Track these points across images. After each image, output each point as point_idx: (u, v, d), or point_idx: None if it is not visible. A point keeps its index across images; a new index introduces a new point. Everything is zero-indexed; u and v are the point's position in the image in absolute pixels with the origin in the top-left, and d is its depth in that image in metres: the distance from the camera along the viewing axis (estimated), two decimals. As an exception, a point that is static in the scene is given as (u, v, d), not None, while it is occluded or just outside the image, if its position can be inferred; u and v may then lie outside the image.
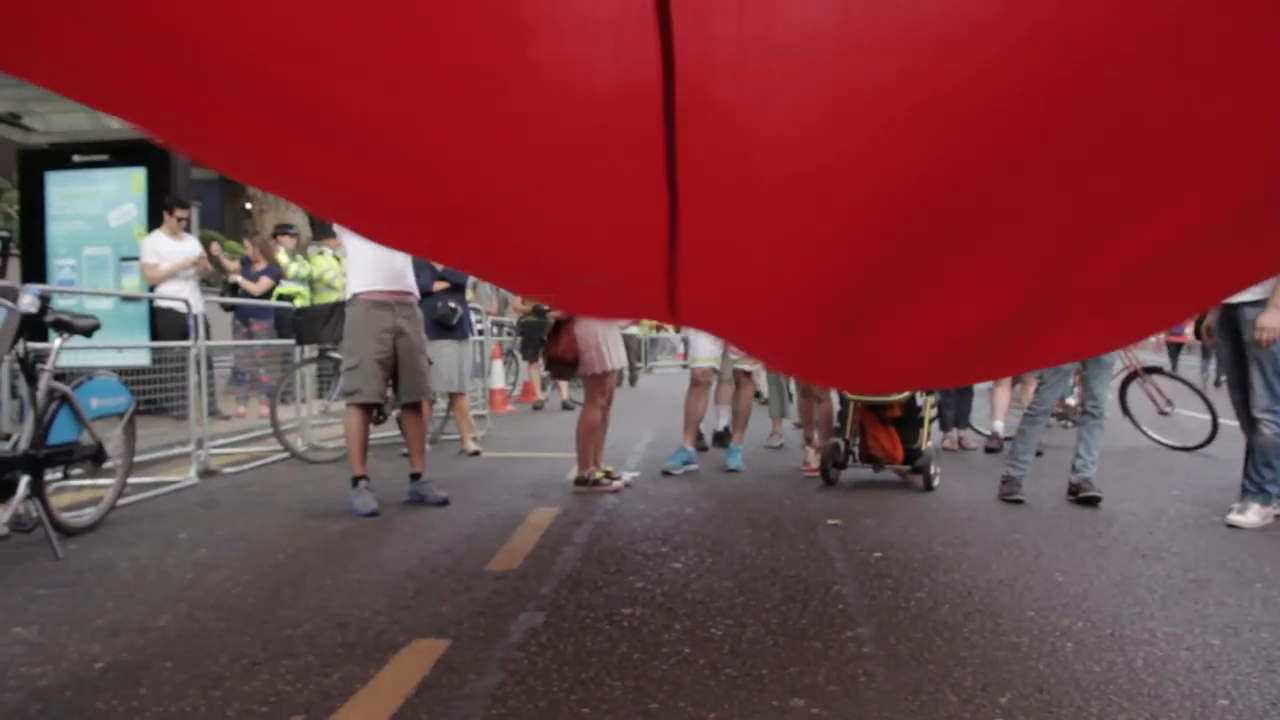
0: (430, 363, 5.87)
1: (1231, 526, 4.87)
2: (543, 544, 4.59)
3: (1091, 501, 5.46)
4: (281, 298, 10.28)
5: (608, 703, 2.68)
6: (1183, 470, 6.94)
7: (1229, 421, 6.04)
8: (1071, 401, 9.07)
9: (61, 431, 4.52)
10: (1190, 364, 18.17)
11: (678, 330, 9.60)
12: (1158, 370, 8.93)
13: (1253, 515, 4.92)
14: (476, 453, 7.80)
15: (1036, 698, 2.71)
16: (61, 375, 4.68)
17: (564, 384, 12.78)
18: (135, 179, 9.56)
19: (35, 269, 9.51)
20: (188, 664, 2.97)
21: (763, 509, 5.48)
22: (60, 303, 5.94)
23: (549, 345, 6.07)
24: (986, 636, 3.25)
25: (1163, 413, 8.62)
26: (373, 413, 5.74)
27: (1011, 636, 3.24)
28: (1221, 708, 2.63)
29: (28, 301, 4.24)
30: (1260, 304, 4.84)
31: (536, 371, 13.50)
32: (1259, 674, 2.88)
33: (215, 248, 11.46)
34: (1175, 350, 19.67)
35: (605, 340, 5.97)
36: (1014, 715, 2.59)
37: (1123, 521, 5.05)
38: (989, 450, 7.95)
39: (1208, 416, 7.94)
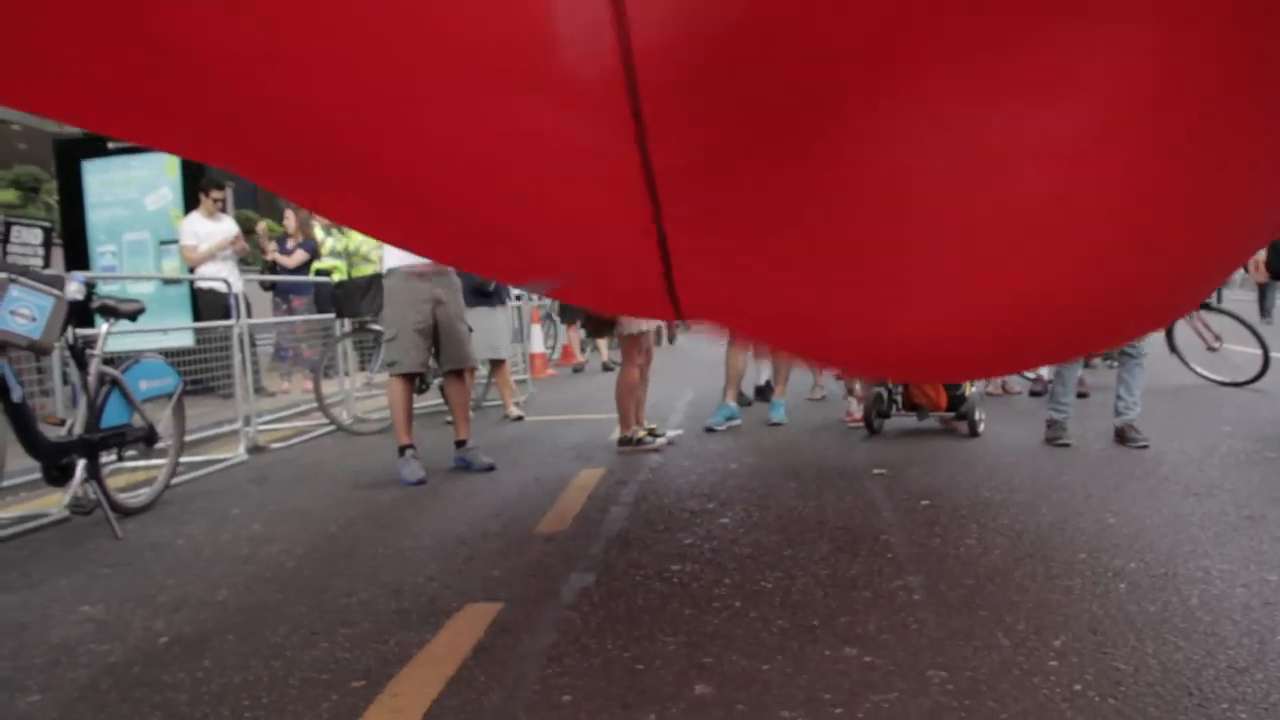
0: (470, 330, 5.90)
1: None
2: (590, 505, 4.62)
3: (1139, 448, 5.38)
4: (319, 273, 10.35)
5: (661, 658, 2.70)
6: (1233, 406, 6.83)
7: (1280, 355, 5.93)
8: None
9: (113, 415, 4.61)
10: (1237, 299, 17.83)
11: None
12: (1207, 306, 8.77)
13: None
14: (520, 417, 7.85)
15: (1090, 639, 2.70)
16: (110, 360, 4.77)
17: (603, 345, 12.79)
18: (169, 163, 9.62)
19: (78, 257, 9.65)
20: (248, 636, 3.04)
21: (807, 461, 5.47)
22: (104, 289, 6.02)
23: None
24: (1038, 580, 3.23)
25: (1211, 348, 8.46)
26: (415, 382, 5.78)
27: (1063, 579, 3.23)
28: (1279, 643, 2.61)
29: (74, 289, 4.31)
30: None
31: (575, 334, 13.52)
32: (1317, 607, 2.85)
33: (261, 227, 11.53)
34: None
35: None
36: (1068, 658, 2.58)
37: (1173, 460, 4.99)
38: (1034, 394, 7.87)
39: (1258, 351, 7.79)
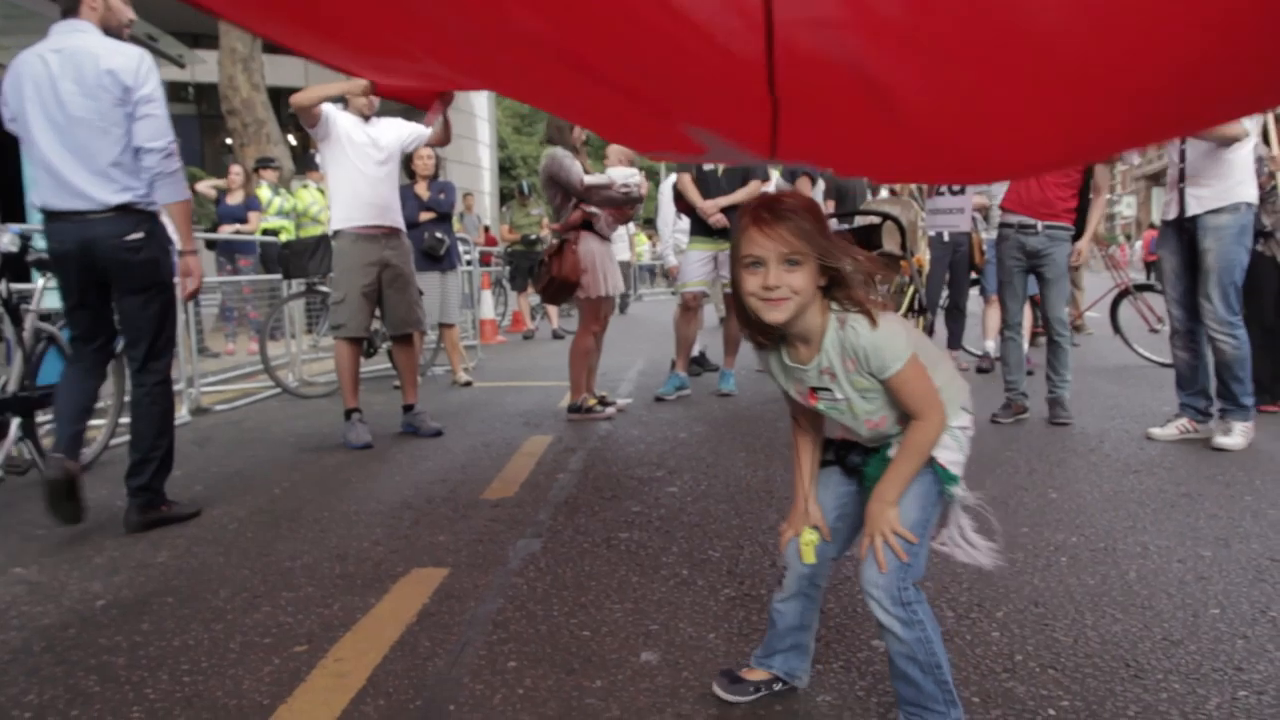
0: (421, 293, 5.83)
1: (1219, 449, 4.77)
2: (538, 471, 4.60)
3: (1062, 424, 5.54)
4: (266, 232, 10.19)
5: (608, 625, 2.70)
6: (1173, 387, 6.94)
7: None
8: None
9: (50, 373, 4.49)
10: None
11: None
12: (1149, 288, 8.93)
13: (1238, 436, 4.83)
14: (468, 383, 7.79)
15: (1032, 611, 2.74)
16: (46, 316, 4.64)
17: (554, 313, 12.73)
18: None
19: (12, 209, 9.34)
20: (189, 599, 2.99)
21: (757, 432, 5.49)
22: (41, 243, 5.84)
23: (552, 264, 5.96)
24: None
25: (1153, 330, 8.64)
26: (363, 346, 5.71)
27: (1006, 552, 3.26)
28: (1213, 616, 2.67)
29: (7, 240, 4.19)
30: (1219, 211, 4.78)
31: (526, 301, 13.45)
32: (1248, 583, 2.92)
33: (202, 185, 11.28)
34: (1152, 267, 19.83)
35: (607, 264, 5.95)
36: (1010, 629, 2.62)
37: (1115, 438, 5.08)
38: (980, 370, 7.98)
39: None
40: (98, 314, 3.81)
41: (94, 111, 3.55)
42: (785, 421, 5.70)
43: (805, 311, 1.86)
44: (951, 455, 1.96)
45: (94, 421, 5.04)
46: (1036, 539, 3.40)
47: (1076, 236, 5.84)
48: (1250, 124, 4.86)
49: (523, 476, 4.50)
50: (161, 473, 3.84)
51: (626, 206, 6.09)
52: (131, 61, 3.59)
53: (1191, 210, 4.86)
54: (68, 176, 3.58)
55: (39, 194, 3.66)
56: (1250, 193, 4.80)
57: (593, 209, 5.89)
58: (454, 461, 4.87)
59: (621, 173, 6.11)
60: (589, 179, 5.84)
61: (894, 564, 1.89)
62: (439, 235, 7.62)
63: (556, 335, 12.16)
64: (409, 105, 5.35)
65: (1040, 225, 5.51)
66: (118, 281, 3.72)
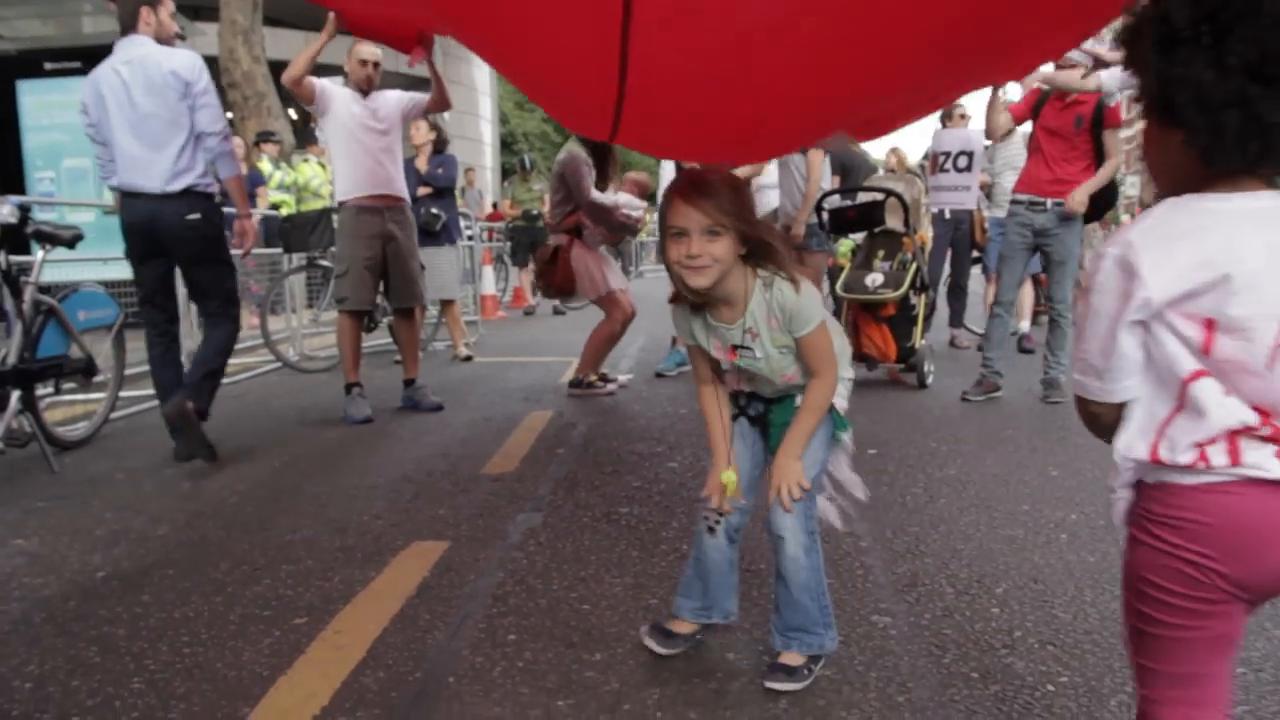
0: (423, 267, 5.82)
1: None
2: (538, 446, 4.60)
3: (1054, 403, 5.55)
4: (270, 206, 10.15)
5: (607, 599, 2.70)
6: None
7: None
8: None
9: (50, 345, 4.48)
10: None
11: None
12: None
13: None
14: (469, 358, 7.78)
15: (1031, 588, 2.74)
16: (47, 289, 4.62)
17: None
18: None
19: (12, 182, 9.31)
20: (189, 571, 2.99)
21: (757, 409, 5.48)
22: (41, 215, 5.82)
23: (546, 275, 6.01)
24: (982, 530, 3.28)
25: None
26: (364, 320, 5.70)
27: (1007, 529, 3.27)
28: (1213, 593, 2.67)
29: (6, 211, 4.16)
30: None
31: (527, 276, 13.40)
32: (1250, 560, 2.91)
33: None
34: None
35: (598, 266, 5.94)
36: (1009, 605, 2.62)
37: (1115, 415, 5.07)
38: (981, 349, 7.95)
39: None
40: (163, 276, 4.53)
41: (162, 107, 4.24)
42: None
43: (727, 278, 2.05)
44: (843, 404, 2.27)
45: (94, 395, 5.07)
46: (1037, 516, 3.40)
47: (1089, 218, 5.82)
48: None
49: (523, 451, 4.49)
50: (209, 389, 4.50)
51: (617, 232, 6.12)
52: (188, 61, 4.28)
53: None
54: (142, 164, 4.27)
55: (118, 177, 4.36)
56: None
57: (586, 220, 5.89)
58: (454, 436, 4.87)
59: (628, 199, 6.10)
60: (597, 196, 5.80)
61: (799, 506, 2.16)
62: (434, 211, 7.58)
63: (558, 311, 12.14)
64: (387, 45, 5.16)
65: (1050, 203, 5.49)
66: (180, 254, 4.45)
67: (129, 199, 4.35)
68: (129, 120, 4.25)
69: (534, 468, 4.20)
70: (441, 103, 5.58)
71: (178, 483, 4.05)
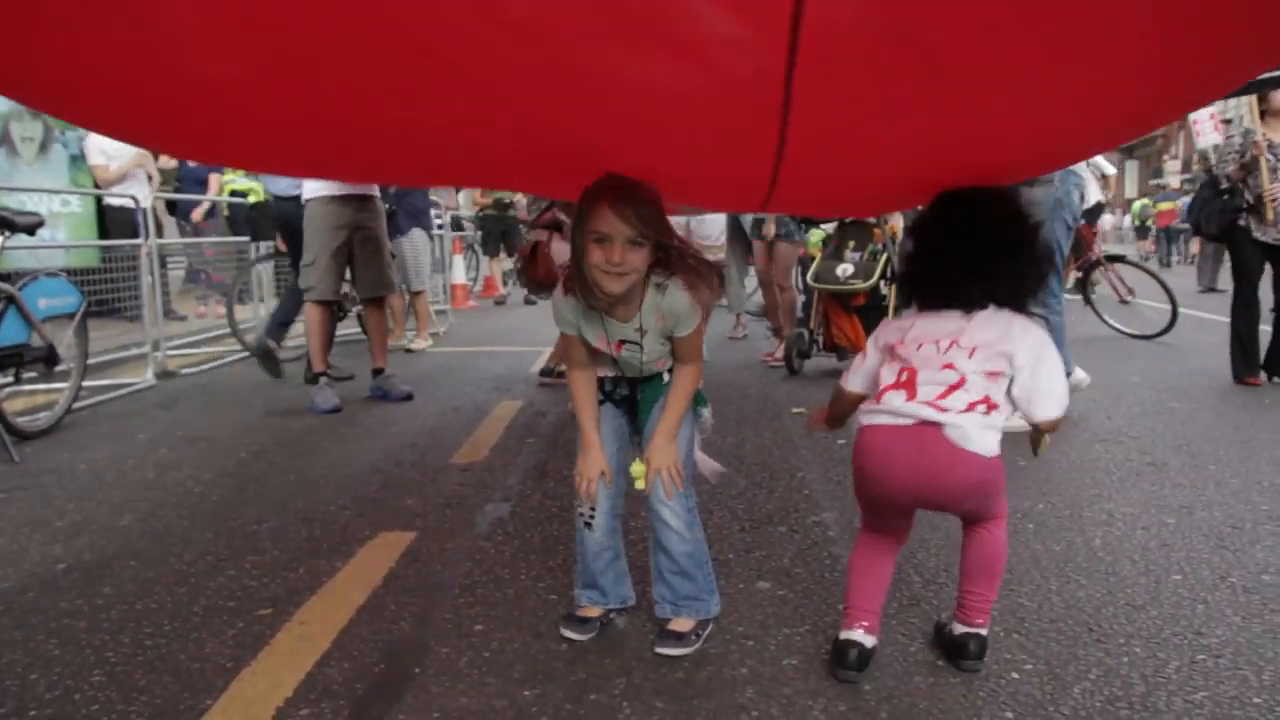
0: (394, 256, 5.78)
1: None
2: (507, 436, 4.58)
3: None
4: (235, 194, 10.03)
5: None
6: (1142, 358, 7.03)
7: (1188, 311, 6.11)
8: None
9: (10, 333, 4.41)
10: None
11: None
12: (1120, 259, 8.99)
13: None
14: (410, 351, 7.69)
15: (997, 576, 2.76)
16: (6, 276, 4.55)
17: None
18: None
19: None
20: (152, 562, 2.95)
21: (728, 399, 5.49)
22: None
23: (527, 269, 5.97)
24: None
25: (1124, 301, 8.70)
26: (333, 309, 5.65)
27: (973, 519, 3.28)
28: (1174, 583, 2.70)
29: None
30: (1035, 182, 4.56)
31: (498, 266, 13.35)
32: (1210, 550, 2.95)
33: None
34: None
35: None
36: (975, 593, 2.63)
37: (1082, 408, 5.11)
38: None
39: (1168, 306, 8.01)
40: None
41: None
42: (755, 388, 5.74)
43: (635, 283, 2.16)
44: (701, 384, 2.42)
45: (56, 384, 5.00)
46: (1004, 506, 3.41)
47: None
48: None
49: (492, 441, 4.47)
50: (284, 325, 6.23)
51: None
52: None
53: None
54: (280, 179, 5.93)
55: (270, 187, 6.30)
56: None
57: (563, 215, 5.86)
58: (423, 426, 4.84)
59: None
60: None
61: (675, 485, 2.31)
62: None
63: (529, 301, 12.10)
64: None
65: None
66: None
67: (279, 201, 6.13)
68: None
69: (503, 457, 4.18)
70: None
71: (142, 473, 4.00)
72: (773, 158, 2.07)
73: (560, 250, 5.86)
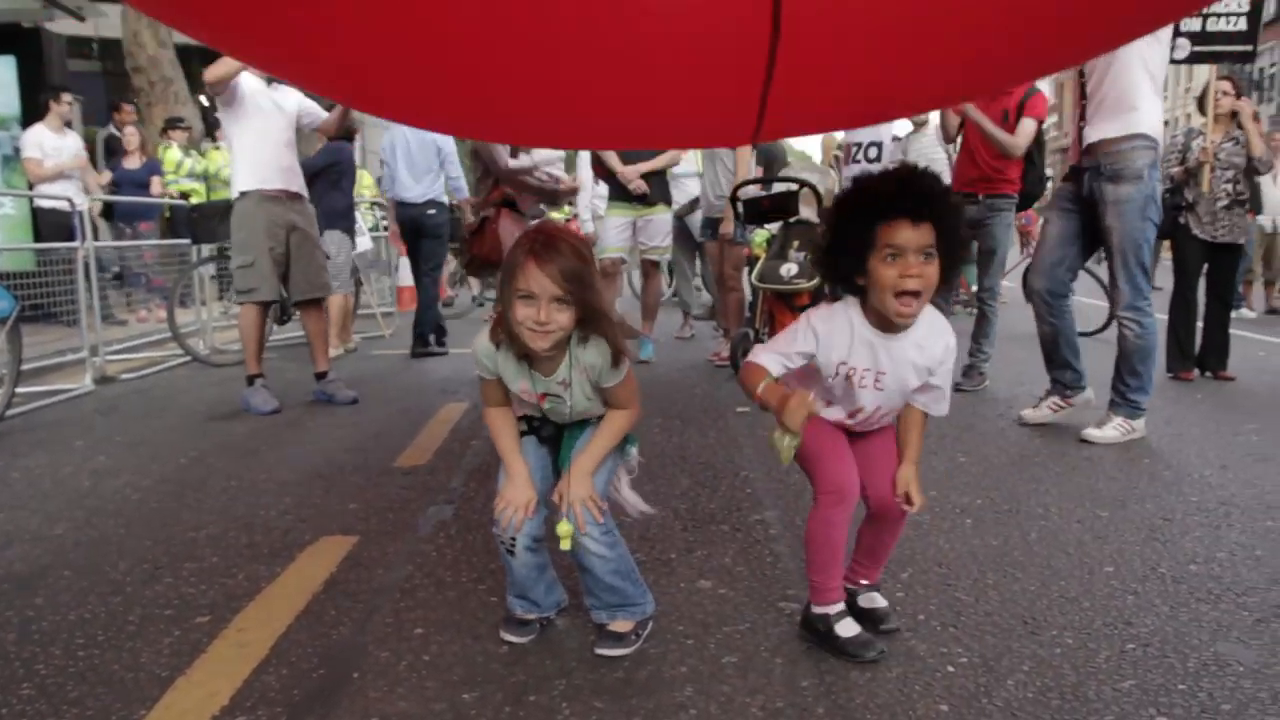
0: (328, 257, 5.71)
1: (1086, 440, 4.34)
2: (452, 438, 4.56)
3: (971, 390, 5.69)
4: (179, 195, 9.87)
5: (518, 592, 2.69)
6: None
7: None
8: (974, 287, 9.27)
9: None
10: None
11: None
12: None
13: (1111, 430, 4.35)
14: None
15: (936, 571, 2.80)
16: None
17: (474, 280, 12.57)
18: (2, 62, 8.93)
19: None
20: (86, 571, 2.90)
21: (673, 398, 5.51)
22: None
23: (471, 244, 5.89)
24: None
25: (1063, 297, 8.81)
26: (272, 310, 5.58)
27: (913, 515, 3.32)
28: (1106, 574, 2.76)
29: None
30: (1121, 178, 4.27)
31: (446, 268, 13.24)
32: (1141, 542, 3.02)
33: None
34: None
35: None
36: (914, 589, 2.67)
37: (1023, 403, 5.19)
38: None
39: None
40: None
41: (427, 147, 7.19)
42: (701, 388, 5.76)
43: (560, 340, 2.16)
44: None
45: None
46: (943, 502, 3.47)
47: (1018, 208, 6.01)
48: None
49: (437, 444, 4.45)
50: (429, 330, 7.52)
51: (545, 196, 6.03)
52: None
53: (1089, 138, 4.40)
54: (411, 184, 7.19)
55: (396, 190, 7.31)
56: (1151, 123, 4.27)
57: (511, 191, 5.82)
58: (368, 429, 4.80)
59: (544, 155, 6.02)
60: (513, 163, 5.73)
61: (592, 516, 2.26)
62: None
63: (477, 303, 12.04)
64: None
65: (981, 197, 5.63)
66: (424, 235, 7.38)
67: (402, 206, 7.34)
68: (407, 156, 7.18)
69: (447, 460, 4.16)
70: (338, 129, 5.59)
71: (78, 480, 3.92)
72: (765, 61, 1.99)
73: (509, 229, 5.81)
